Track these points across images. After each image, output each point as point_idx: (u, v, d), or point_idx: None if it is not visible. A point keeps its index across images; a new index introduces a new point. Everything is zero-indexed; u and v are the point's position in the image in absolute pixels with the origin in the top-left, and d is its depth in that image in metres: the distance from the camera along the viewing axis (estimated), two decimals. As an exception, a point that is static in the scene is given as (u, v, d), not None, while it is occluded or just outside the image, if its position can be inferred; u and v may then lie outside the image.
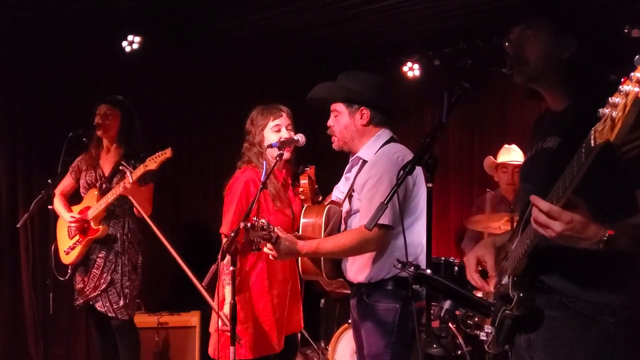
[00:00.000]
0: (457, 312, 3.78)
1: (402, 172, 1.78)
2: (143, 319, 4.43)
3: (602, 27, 1.78)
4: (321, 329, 5.35)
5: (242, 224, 2.43)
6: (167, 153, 3.47)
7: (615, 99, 1.21)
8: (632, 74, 1.18)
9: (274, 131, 3.07)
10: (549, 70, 1.76)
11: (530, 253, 1.64)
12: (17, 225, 3.93)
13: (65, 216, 3.86)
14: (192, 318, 4.60)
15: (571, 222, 1.45)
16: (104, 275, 3.75)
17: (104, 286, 3.73)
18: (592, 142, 1.29)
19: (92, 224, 3.78)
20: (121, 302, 3.74)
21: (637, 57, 1.18)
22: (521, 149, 4.56)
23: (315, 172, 3.14)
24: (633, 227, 1.53)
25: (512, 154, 4.59)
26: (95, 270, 3.77)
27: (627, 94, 1.19)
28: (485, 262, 1.89)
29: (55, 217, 3.91)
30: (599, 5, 1.79)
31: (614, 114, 1.21)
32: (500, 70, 1.81)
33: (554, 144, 1.74)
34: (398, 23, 5.01)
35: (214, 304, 2.84)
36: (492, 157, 4.69)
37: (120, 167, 3.60)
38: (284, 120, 3.10)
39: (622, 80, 1.21)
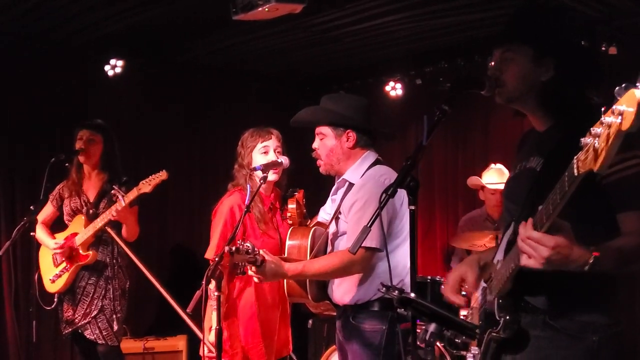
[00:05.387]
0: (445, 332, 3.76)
1: (384, 196, 1.79)
2: (129, 345, 4.38)
3: (580, 51, 1.81)
4: (309, 350, 5.29)
5: (226, 248, 2.42)
6: (163, 175, 3.43)
7: (597, 129, 1.21)
8: (614, 106, 1.18)
9: (262, 153, 3.08)
10: (528, 93, 1.79)
11: (514, 276, 1.65)
12: (-1, 253, 3.88)
13: (50, 244, 3.80)
14: (179, 342, 4.56)
15: (556, 247, 1.46)
16: (95, 301, 3.70)
17: (94, 313, 3.68)
18: (575, 171, 1.30)
19: (80, 250, 3.72)
20: (115, 327, 3.68)
21: (617, 88, 1.18)
22: (508, 168, 4.55)
23: (304, 196, 3.14)
24: (615, 250, 1.55)
25: (501, 176, 4.56)
26: (85, 298, 3.71)
27: (609, 125, 1.18)
28: (466, 279, 1.89)
29: (38, 244, 3.85)
30: (576, 29, 1.82)
31: (596, 144, 1.21)
32: (479, 93, 1.84)
33: (536, 164, 1.77)
34: (379, 44, 5.06)
35: (197, 331, 2.81)
36: (477, 177, 4.68)
37: (112, 192, 3.54)
38: (272, 142, 3.10)
39: (603, 109, 1.20)
